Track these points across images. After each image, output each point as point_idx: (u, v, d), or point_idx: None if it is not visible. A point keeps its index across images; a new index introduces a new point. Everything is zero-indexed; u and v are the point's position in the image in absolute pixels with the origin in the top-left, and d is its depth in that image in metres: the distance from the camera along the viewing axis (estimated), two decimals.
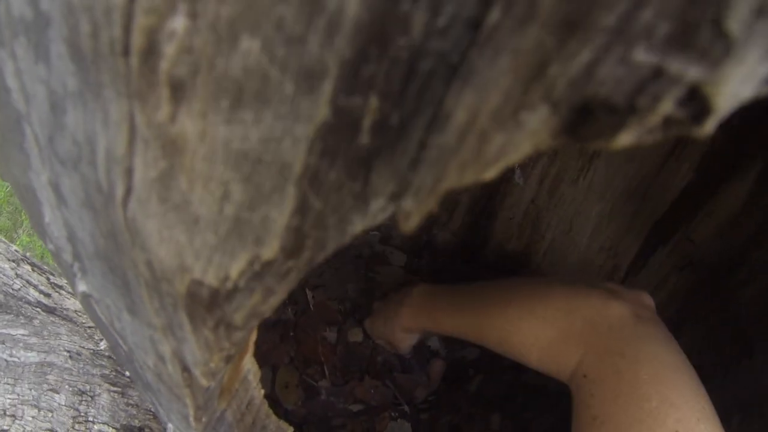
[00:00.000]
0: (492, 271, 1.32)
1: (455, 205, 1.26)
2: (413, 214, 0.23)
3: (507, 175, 1.19)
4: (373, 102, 0.22)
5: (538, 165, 1.16)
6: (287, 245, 0.27)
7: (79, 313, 1.20)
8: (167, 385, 0.51)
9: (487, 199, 1.25)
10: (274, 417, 0.69)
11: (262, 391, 0.64)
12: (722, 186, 1.01)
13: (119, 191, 0.32)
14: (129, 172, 0.30)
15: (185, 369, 0.45)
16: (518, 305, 0.79)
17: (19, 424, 0.95)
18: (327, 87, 0.21)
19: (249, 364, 0.59)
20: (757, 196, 0.97)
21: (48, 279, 1.23)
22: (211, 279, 0.31)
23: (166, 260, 0.32)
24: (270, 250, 0.27)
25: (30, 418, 0.97)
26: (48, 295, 1.19)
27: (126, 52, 0.25)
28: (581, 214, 1.19)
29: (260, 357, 1.09)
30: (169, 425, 0.71)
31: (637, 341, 0.65)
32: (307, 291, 1.20)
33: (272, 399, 1.08)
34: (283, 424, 0.71)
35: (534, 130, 0.21)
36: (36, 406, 0.99)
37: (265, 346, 1.12)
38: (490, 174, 0.22)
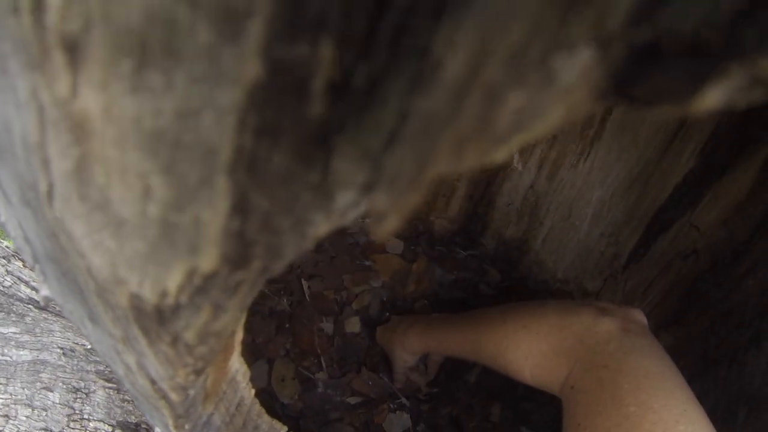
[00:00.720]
0: (491, 260, 1.27)
1: (452, 191, 1.21)
2: (389, 213, 0.16)
3: (504, 160, 1.13)
4: (326, 51, 0.14)
5: (537, 149, 1.11)
6: (229, 254, 0.20)
7: None
8: (142, 395, 0.47)
9: (486, 185, 1.19)
10: (266, 416, 0.65)
11: (252, 391, 0.60)
12: (727, 171, 0.96)
13: (42, 187, 0.25)
14: (46, 164, 0.23)
15: (154, 381, 0.40)
16: (514, 322, 0.81)
17: (12, 425, 0.92)
18: (255, 30, 0.14)
19: (237, 364, 0.55)
20: (764, 184, 0.93)
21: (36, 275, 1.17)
22: (148, 294, 0.24)
23: (102, 269, 0.26)
24: (208, 260, 0.20)
25: (24, 418, 0.94)
26: (40, 291, 1.13)
27: (15, 8, 0.19)
28: (581, 199, 1.13)
29: (255, 350, 1.05)
30: (156, 430, 0.70)
31: (621, 354, 0.66)
32: (303, 281, 1.14)
33: (268, 393, 1.03)
34: (277, 424, 0.67)
35: (569, 86, 0.14)
36: (30, 406, 0.95)
37: (260, 338, 1.07)
38: (500, 154, 0.16)
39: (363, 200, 0.18)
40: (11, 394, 0.95)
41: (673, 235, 1.06)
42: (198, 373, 0.38)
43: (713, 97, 0.13)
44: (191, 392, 0.44)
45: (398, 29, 0.14)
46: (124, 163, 0.19)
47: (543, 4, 0.13)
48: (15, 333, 1.03)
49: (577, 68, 0.14)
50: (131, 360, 0.39)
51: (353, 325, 1.14)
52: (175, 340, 0.31)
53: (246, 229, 0.19)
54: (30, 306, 1.09)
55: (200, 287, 0.22)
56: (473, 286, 1.23)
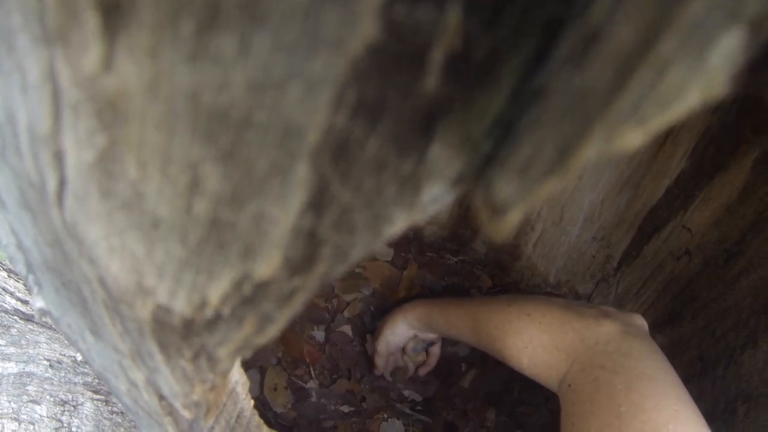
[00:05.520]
0: (482, 265, 1.27)
1: None
2: (515, 204, 0.13)
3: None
4: (452, 16, 0.11)
5: None
6: (293, 257, 0.17)
7: None
8: (145, 411, 0.45)
9: None
10: (265, 428, 0.62)
11: (252, 402, 0.57)
12: (719, 173, 0.96)
13: (51, 185, 0.21)
14: (59, 157, 0.19)
15: (163, 398, 0.38)
16: (519, 308, 0.80)
17: None
18: None
19: (237, 375, 0.52)
20: (756, 184, 0.92)
21: (25, 285, 1.13)
22: (182, 305, 0.21)
23: (121, 278, 0.22)
24: (266, 265, 0.17)
25: None
26: (25, 302, 1.11)
27: None
28: (573, 203, 1.13)
29: (247, 359, 1.02)
30: None
31: (618, 356, 0.66)
32: None
33: (261, 402, 1.02)
34: None
35: (716, 67, 0.11)
36: (16, 419, 0.95)
37: None
38: (638, 139, 0.13)
39: (450, 194, 0.15)
40: None
41: (666, 237, 1.06)
42: (213, 389, 0.35)
43: None
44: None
45: None
46: (169, 149, 0.15)
47: None
48: (0, 345, 1.02)
49: (729, 49, 0.12)
50: (138, 376, 0.37)
51: (345, 333, 1.13)
52: (197, 356, 0.28)
53: (318, 227, 0.15)
54: (15, 317, 1.07)
55: (248, 297, 0.19)
56: (464, 292, 1.22)
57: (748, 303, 0.94)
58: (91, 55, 0.15)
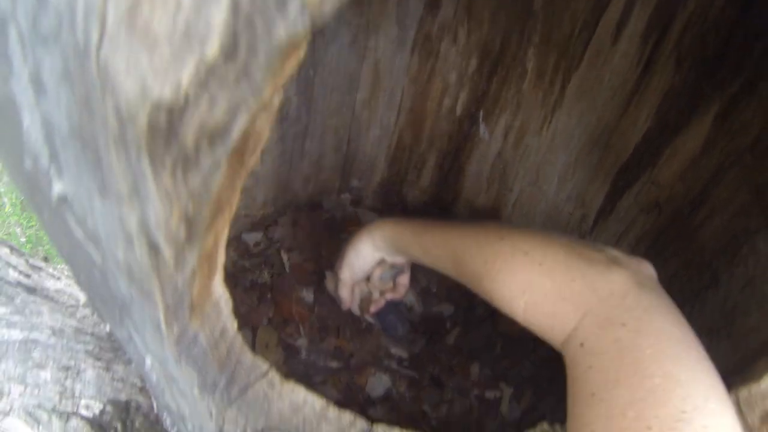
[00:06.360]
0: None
1: (423, 163, 1.35)
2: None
3: (472, 131, 1.28)
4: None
5: (502, 118, 1.25)
6: (225, 44, 0.36)
7: (60, 293, 1.26)
8: (138, 285, 0.55)
9: (454, 155, 1.33)
10: (249, 353, 0.71)
11: (236, 324, 0.66)
12: (682, 129, 1.10)
13: (94, 38, 0.40)
14: (103, 17, 0.39)
15: (152, 246, 0.49)
16: (512, 243, 0.74)
17: (6, 401, 1.01)
18: None
19: (220, 290, 0.60)
20: (717, 137, 1.06)
21: (27, 261, 1.28)
22: (167, 93, 0.39)
23: (131, 92, 0.40)
24: (212, 48, 0.36)
25: (17, 395, 1.02)
26: (28, 276, 1.24)
27: None
28: (547, 164, 1.27)
29: (239, 319, 1.15)
30: (147, 361, 0.74)
31: (640, 311, 0.61)
32: (282, 253, 1.28)
33: None
34: (259, 360, 0.72)
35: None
36: (23, 383, 1.04)
37: (243, 308, 1.19)
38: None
39: (305, 11, 0.35)
40: (4, 372, 1.03)
41: (636, 192, 1.19)
42: (188, 224, 0.47)
43: None
44: (179, 281, 0.53)
45: None
46: None
47: None
48: (5, 313, 1.12)
49: None
50: (133, 222, 0.48)
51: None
52: (174, 167, 0.43)
53: (237, 24, 0.35)
54: (18, 289, 1.19)
55: (203, 80, 0.38)
56: None
57: (710, 247, 1.06)
58: None
